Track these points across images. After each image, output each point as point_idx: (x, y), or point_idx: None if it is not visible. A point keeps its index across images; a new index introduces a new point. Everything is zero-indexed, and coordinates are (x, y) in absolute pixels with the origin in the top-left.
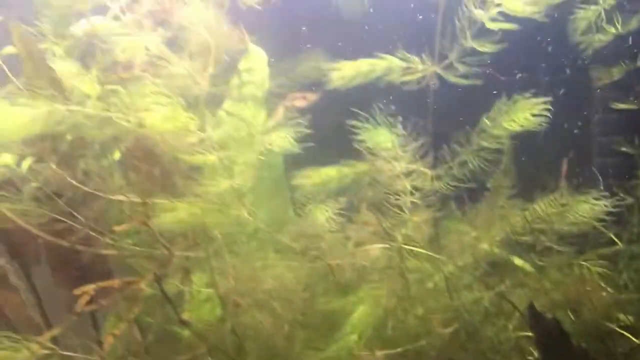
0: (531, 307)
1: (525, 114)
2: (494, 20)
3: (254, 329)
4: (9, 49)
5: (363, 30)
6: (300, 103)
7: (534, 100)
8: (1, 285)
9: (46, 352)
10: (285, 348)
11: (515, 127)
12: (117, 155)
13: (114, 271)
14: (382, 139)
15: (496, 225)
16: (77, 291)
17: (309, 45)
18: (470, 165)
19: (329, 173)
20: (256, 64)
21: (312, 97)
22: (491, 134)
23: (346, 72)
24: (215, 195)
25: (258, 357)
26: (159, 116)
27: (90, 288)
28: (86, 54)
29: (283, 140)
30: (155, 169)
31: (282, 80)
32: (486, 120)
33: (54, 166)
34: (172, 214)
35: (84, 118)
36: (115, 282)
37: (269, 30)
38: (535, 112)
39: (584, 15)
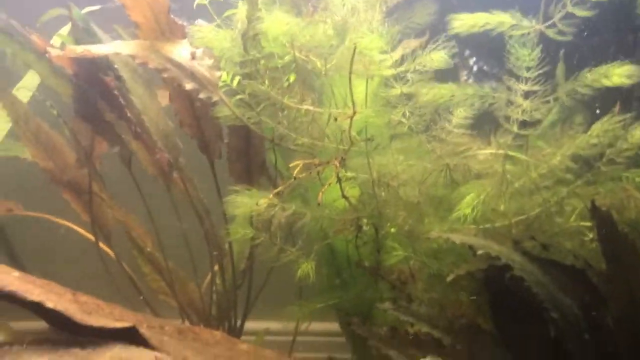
0: (592, 202)
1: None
2: None
3: (392, 206)
4: None
5: None
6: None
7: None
8: None
9: (273, 202)
10: (415, 220)
11: (607, 84)
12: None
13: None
14: None
15: (567, 143)
16: (293, 164)
17: None
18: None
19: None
20: None
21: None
22: (584, 84)
23: (467, 21)
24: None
25: (396, 225)
26: None
27: (301, 162)
28: None
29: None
30: None
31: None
32: (587, 75)
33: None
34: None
35: None
36: (316, 161)
37: None
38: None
39: None
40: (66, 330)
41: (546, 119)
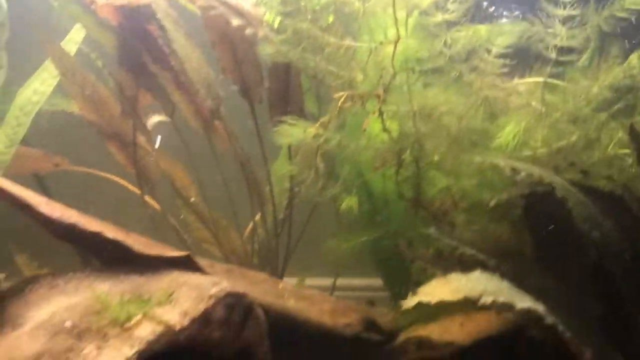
0: (631, 125)
1: None
2: None
3: (433, 137)
4: None
5: None
6: None
7: None
8: None
9: (319, 132)
10: (456, 150)
11: None
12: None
13: None
14: None
15: (604, 74)
16: (337, 95)
17: None
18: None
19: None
20: None
21: None
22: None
23: None
24: None
25: (437, 155)
26: None
27: (345, 93)
28: None
29: None
30: None
31: None
32: None
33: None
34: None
35: None
36: (359, 93)
37: None
38: None
39: None
40: (123, 260)
41: (584, 49)
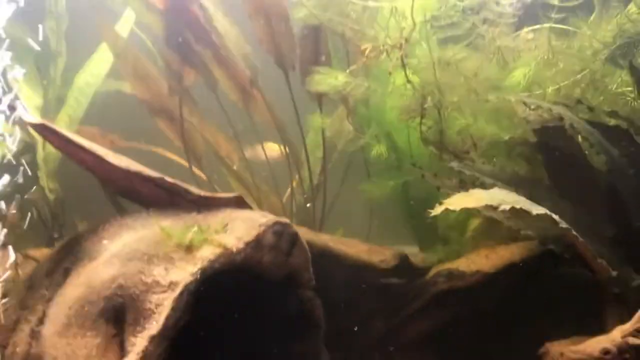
0: (630, 61)
1: None
2: None
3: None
4: None
5: None
6: None
7: None
8: None
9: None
10: (473, 92)
11: None
12: None
13: None
14: None
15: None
16: (363, 47)
17: None
18: None
19: None
20: None
21: None
22: None
23: None
24: None
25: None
26: None
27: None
28: None
29: None
30: None
31: None
32: None
33: None
34: None
35: None
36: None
37: None
38: None
39: None
40: (183, 202)
41: None
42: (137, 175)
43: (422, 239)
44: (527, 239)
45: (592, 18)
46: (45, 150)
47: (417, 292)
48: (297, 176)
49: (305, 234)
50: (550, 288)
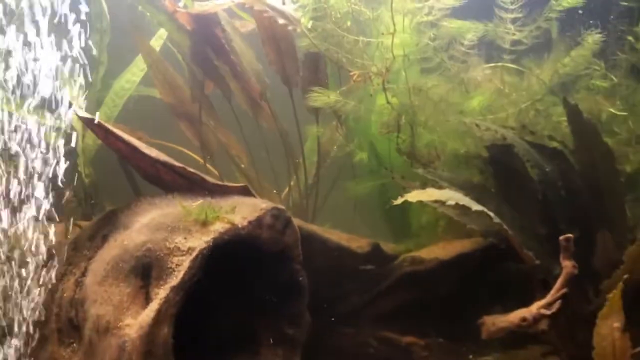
0: (564, 99)
1: None
2: None
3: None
4: None
5: None
6: None
7: None
8: None
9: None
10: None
11: None
12: None
13: None
14: None
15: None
16: (352, 73)
17: None
18: None
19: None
20: None
21: None
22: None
23: None
24: None
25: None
26: None
27: (358, 72)
28: None
29: None
30: None
31: None
32: None
33: None
34: None
35: None
36: (368, 71)
37: None
38: None
39: None
40: (199, 189)
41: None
42: (164, 164)
43: (397, 235)
44: (476, 236)
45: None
46: (83, 142)
47: (386, 274)
48: (294, 177)
49: (297, 221)
50: (495, 276)
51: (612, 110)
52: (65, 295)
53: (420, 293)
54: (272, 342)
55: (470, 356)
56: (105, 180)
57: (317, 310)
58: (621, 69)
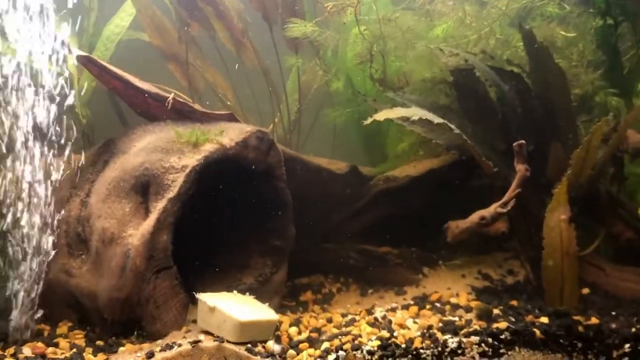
0: (520, 25)
1: None
2: None
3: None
4: None
5: None
6: None
7: None
8: None
9: (315, 29)
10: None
11: None
12: None
13: None
14: None
15: None
16: (326, 4)
17: None
18: None
19: None
20: None
21: None
22: None
23: None
24: None
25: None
26: None
27: (331, 3)
28: None
29: None
30: None
31: None
32: None
33: None
34: None
35: None
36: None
37: None
38: None
39: None
40: (189, 118)
41: None
42: (157, 95)
43: (375, 164)
44: (444, 154)
45: None
46: (79, 85)
47: (362, 193)
48: (278, 113)
49: (280, 146)
50: (462, 191)
51: (564, 34)
52: (72, 213)
53: (394, 208)
54: (261, 252)
55: (440, 262)
56: (98, 122)
57: (302, 228)
58: None
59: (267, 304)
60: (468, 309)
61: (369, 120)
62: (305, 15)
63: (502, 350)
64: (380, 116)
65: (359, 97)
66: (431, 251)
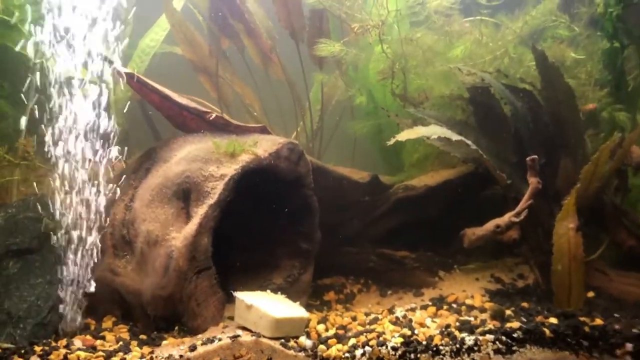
0: (533, 46)
1: None
2: None
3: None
4: None
5: None
6: None
7: None
8: None
9: (342, 48)
10: (427, 61)
11: None
12: None
13: None
14: None
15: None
16: (353, 25)
17: None
18: None
19: None
20: None
21: None
22: None
23: None
24: None
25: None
26: None
27: (358, 25)
28: None
29: None
30: None
31: None
32: None
33: None
34: None
35: None
36: (367, 24)
37: None
38: None
39: None
40: (224, 130)
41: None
42: (194, 110)
43: (392, 172)
44: (460, 165)
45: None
46: (115, 95)
47: (382, 200)
48: (301, 122)
49: (308, 156)
50: (477, 200)
51: (573, 55)
52: (117, 217)
53: (412, 215)
54: (289, 255)
55: (455, 266)
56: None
57: (325, 233)
58: (582, 20)
59: (297, 302)
60: (482, 310)
61: (392, 140)
62: (330, 34)
63: (514, 348)
64: (403, 136)
65: (380, 111)
66: (447, 256)
